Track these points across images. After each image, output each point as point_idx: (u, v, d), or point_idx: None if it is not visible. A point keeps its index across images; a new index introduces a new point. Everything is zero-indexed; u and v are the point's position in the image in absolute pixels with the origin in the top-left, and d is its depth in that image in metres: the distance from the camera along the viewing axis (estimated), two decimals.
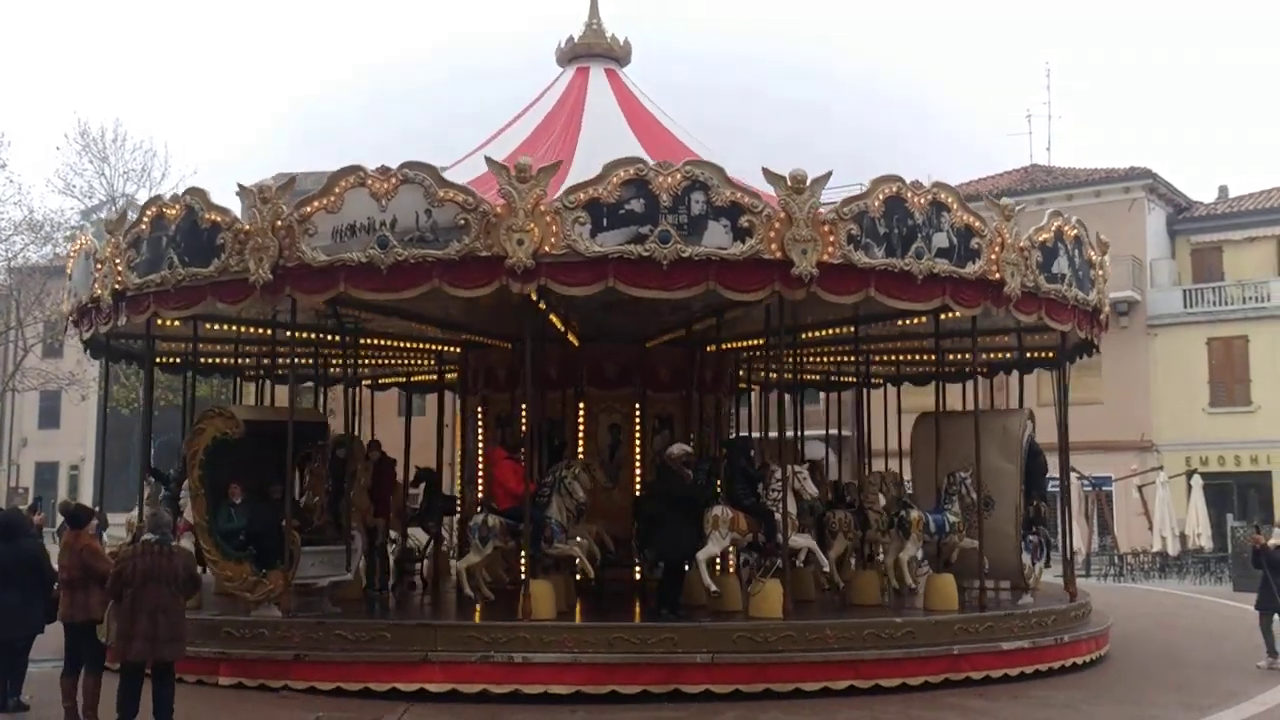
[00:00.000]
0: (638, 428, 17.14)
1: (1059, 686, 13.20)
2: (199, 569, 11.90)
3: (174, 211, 13.54)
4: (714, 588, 13.47)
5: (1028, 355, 18.24)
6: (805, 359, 19.54)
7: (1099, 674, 14.24)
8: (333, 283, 12.68)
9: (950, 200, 13.39)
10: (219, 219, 13.15)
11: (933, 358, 18.13)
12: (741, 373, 19.92)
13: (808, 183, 12.63)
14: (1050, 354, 17.32)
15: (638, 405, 17.25)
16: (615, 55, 18.70)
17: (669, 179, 12.30)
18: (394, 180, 12.41)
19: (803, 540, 13.75)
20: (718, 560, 14.76)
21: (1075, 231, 15.04)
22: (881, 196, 12.95)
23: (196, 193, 13.48)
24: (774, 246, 12.41)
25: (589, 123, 17.14)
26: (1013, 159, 63.18)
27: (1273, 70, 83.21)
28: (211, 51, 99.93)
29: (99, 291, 14.50)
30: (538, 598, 12.61)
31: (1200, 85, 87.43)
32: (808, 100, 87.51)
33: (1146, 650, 16.14)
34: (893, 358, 20.04)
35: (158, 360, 18.77)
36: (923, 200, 13.18)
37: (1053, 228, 14.61)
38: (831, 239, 12.63)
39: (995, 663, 13.34)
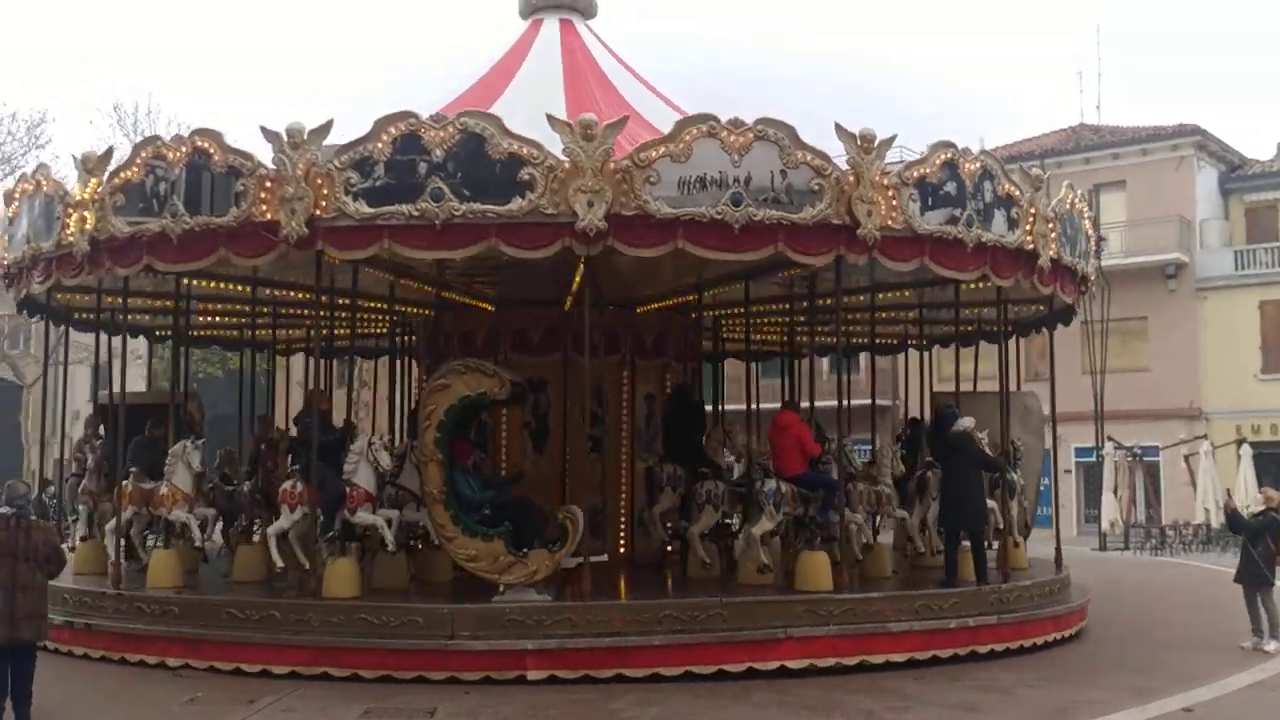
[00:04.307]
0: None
1: (1012, 667, 12.50)
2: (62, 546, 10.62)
3: (440, 135, 11.49)
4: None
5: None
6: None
7: (1064, 653, 13.50)
8: (670, 236, 11.70)
9: (1085, 210, 15.35)
10: (524, 151, 11.45)
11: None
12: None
13: (1045, 180, 13.91)
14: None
15: (666, 375, 17.08)
16: (582, 9, 18.13)
17: (971, 165, 12.86)
18: (749, 135, 11.73)
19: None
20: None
21: None
22: (1070, 202, 14.56)
23: (486, 117, 11.56)
24: (1029, 240, 13.49)
25: (616, 82, 16.71)
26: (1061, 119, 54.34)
27: None
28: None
29: (272, 214, 11.70)
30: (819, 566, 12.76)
31: (1261, 41, 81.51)
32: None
33: (1131, 628, 15.51)
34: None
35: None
36: (1082, 207, 15.03)
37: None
38: (1054, 236, 13.98)
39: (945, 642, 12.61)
